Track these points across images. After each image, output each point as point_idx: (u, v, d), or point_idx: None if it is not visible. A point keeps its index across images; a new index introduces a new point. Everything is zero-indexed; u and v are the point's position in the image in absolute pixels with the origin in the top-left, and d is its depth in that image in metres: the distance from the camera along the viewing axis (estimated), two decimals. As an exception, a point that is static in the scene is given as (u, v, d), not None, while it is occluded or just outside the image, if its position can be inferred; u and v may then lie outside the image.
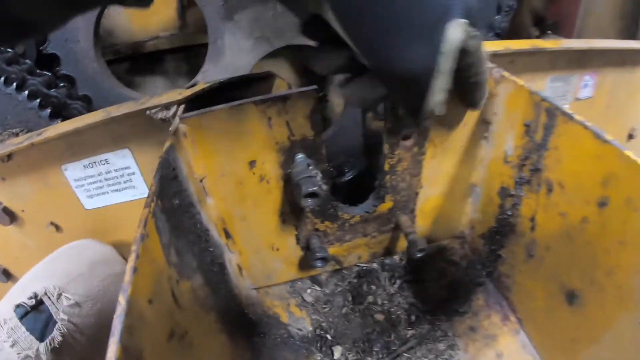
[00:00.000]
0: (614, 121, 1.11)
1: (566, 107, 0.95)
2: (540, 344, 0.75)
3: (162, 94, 0.73)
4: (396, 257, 0.98)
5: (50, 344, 0.67)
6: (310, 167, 0.68)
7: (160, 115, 0.71)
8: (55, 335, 0.68)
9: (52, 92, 0.92)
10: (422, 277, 0.95)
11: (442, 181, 0.85)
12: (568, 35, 1.31)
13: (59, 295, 0.72)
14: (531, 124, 0.69)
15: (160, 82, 1.39)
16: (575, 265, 0.64)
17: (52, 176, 0.84)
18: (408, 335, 0.85)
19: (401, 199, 0.84)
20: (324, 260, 0.80)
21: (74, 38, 0.88)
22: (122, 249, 0.94)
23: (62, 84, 0.95)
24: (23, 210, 0.88)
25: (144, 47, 1.34)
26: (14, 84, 0.89)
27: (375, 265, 0.97)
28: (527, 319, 0.78)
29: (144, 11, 1.25)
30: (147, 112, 0.71)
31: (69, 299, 0.71)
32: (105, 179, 0.86)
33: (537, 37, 1.35)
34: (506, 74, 0.72)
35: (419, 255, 0.81)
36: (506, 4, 1.03)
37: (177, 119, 0.65)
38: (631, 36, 1.18)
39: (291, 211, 0.78)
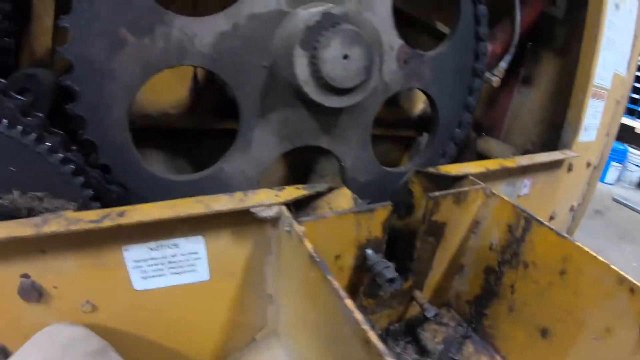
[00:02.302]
0: (541, 208, 1.58)
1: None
2: (523, 371, 1.11)
3: (255, 193, 0.91)
4: (396, 325, 1.29)
5: None
6: (384, 260, 0.97)
7: (264, 214, 0.88)
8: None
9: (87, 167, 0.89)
10: (419, 337, 1.27)
11: (442, 264, 1.20)
12: (498, 135, 1.76)
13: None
14: (513, 225, 1.08)
15: (161, 156, 1.45)
16: (546, 311, 1.04)
17: (108, 255, 0.83)
18: (420, 381, 1.16)
19: (418, 279, 1.17)
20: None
21: (109, 105, 0.87)
22: (166, 328, 0.98)
23: (74, 147, 0.89)
24: (55, 287, 0.83)
25: (153, 120, 1.39)
26: (47, 143, 0.83)
27: (379, 332, 1.27)
28: (510, 355, 1.14)
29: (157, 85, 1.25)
30: (252, 209, 0.87)
31: None
32: (169, 262, 0.89)
33: (475, 138, 1.76)
34: (495, 191, 1.11)
35: (433, 318, 1.13)
36: (466, 121, 1.37)
37: (290, 219, 0.86)
38: (548, 138, 1.60)
39: (349, 292, 1.05)
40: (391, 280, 0.94)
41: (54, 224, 0.75)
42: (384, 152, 1.64)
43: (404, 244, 1.13)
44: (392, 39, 1.14)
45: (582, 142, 1.54)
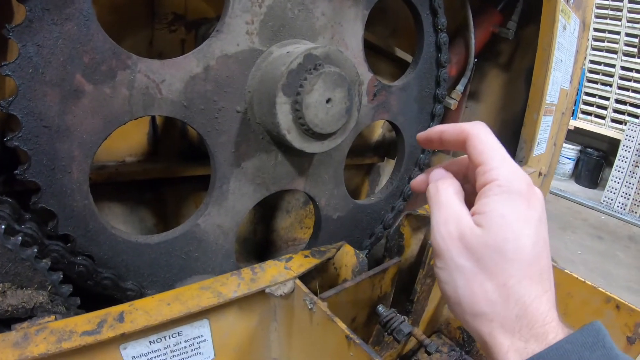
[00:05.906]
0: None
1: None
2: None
3: (264, 269, 0.93)
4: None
5: None
6: (396, 313, 1.03)
7: (279, 292, 0.90)
8: None
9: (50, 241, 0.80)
10: (416, 366, 1.36)
11: (435, 299, 1.29)
12: (447, 151, 1.87)
13: None
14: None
15: (118, 209, 1.34)
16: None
17: (102, 356, 0.75)
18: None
19: (415, 318, 1.25)
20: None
21: (66, 167, 0.77)
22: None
23: (28, 216, 0.81)
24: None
25: (108, 172, 1.26)
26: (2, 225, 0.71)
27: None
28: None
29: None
30: (267, 290, 0.89)
31: None
32: (171, 351, 0.84)
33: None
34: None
35: (435, 352, 1.22)
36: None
37: (311, 297, 0.87)
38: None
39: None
40: (409, 334, 1.00)
41: (40, 342, 0.67)
42: (346, 180, 1.71)
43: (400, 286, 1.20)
44: (363, 73, 1.13)
45: (534, 155, 1.69)
